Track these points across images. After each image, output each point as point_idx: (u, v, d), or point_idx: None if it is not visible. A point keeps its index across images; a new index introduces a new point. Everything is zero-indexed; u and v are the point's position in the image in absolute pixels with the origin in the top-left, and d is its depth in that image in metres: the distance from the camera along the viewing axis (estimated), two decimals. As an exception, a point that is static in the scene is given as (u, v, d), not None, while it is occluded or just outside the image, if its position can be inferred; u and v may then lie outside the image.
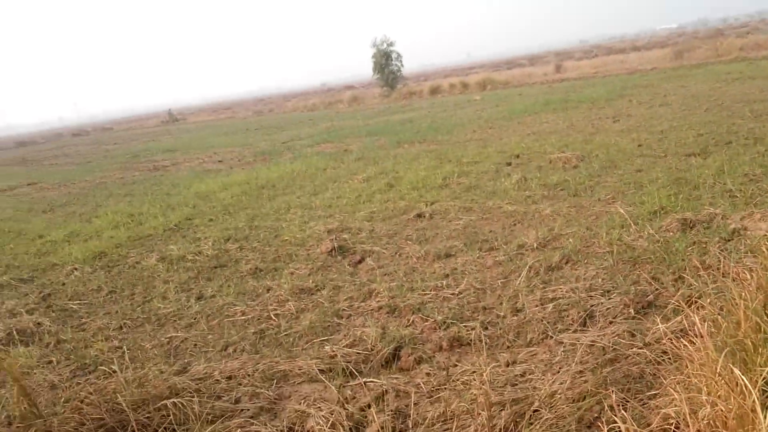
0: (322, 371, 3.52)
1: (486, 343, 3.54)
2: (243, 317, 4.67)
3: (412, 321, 4.07)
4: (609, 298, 3.86)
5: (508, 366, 3.26)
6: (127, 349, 4.28)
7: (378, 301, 4.50)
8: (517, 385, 3.03)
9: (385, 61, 42.30)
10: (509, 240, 5.51)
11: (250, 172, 12.79)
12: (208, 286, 5.55)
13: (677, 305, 3.19)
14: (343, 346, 3.79)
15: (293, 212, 8.02)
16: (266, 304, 4.86)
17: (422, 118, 20.53)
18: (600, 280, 4.22)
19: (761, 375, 2.04)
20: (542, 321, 3.72)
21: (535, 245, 5.18)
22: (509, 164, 9.22)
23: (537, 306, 3.96)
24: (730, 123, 9.82)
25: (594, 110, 14.86)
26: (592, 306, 3.81)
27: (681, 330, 2.84)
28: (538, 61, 61.27)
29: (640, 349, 3.04)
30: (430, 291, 4.55)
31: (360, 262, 5.61)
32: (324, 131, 21.06)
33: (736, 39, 35.29)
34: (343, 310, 4.51)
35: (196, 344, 4.33)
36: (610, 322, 3.55)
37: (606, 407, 2.56)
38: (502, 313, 3.96)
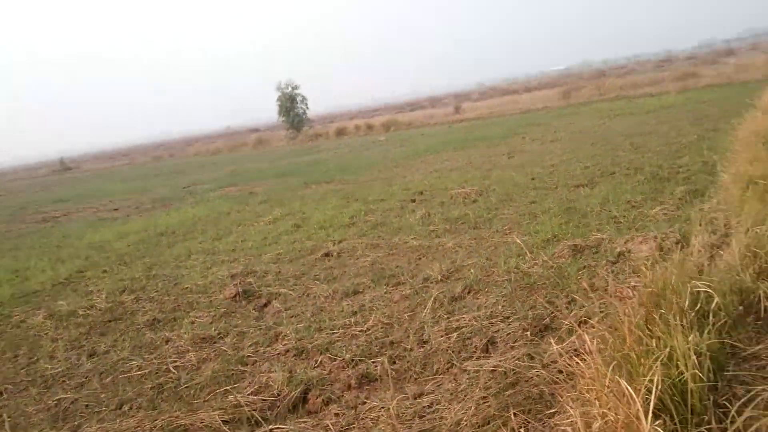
0: (225, 422, 3.35)
1: (394, 378, 3.54)
2: (139, 372, 4.38)
3: (320, 362, 3.99)
4: (509, 324, 3.99)
5: (415, 398, 3.26)
6: (8, 417, 3.89)
7: (285, 344, 4.39)
8: (424, 416, 3.03)
9: (290, 104, 42.60)
10: (415, 274, 5.59)
11: (148, 219, 12.25)
12: (101, 342, 5.18)
13: (570, 326, 3.34)
14: (248, 394, 3.65)
15: (195, 258, 7.73)
16: (165, 356, 4.60)
17: (329, 159, 20.69)
18: (500, 307, 4.36)
19: (644, 384, 2.16)
20: (447, 350, 3.77)
21: (439, 277, 5.28)
22: (414, 201, 9.43)
23: (442, 336, 4.01)
24: (613, 155, 10.63)
25: (491, 148, 15.62)
26: (493, 332, 3.91)
27: (574, 349, 2.97)
28: (438, 102, 63.93)
29: (539, 370, 3.15)
30: (339, 329, 4.50)
31: (266, 305, 5.46)
32: (228, 174, 20.67)
33: (616, 79, 38.74)
34: (248, 356, 4.35)
35: (87, 405, 4.01)
36: (511, 347, 3.65)
37: (509, 430, 2.61)
38: (409, 346, 3.98)
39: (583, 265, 4.91)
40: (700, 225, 4.88)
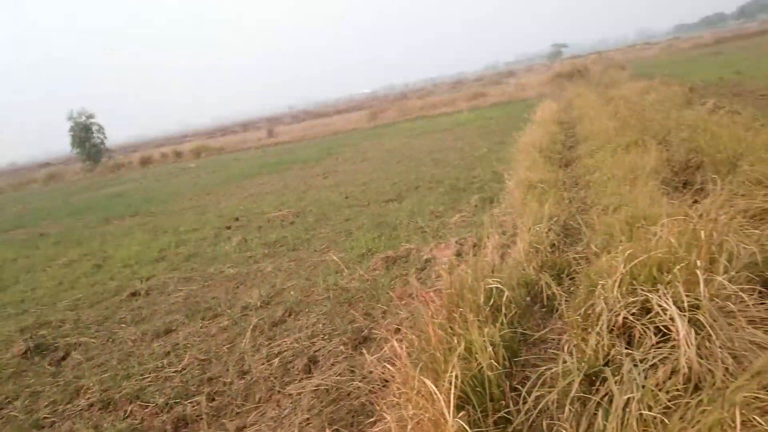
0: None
1: (213, 414, 3.36)
2: None
3: (130, 411, 3.66)
4: (330, 341, 4.03)
5: (237, 432, 3.13)
6: None
7: (88, 399, 3.95)
8: (247, 450, 2.93)
9: (85, 134, 39.03)
10: (233, 303, 5.40)
11: None
12: None
13: (384, 335, 3.47)
14: (45, 461, 3.21)
15: (-28, 316, 6.64)
16: (-64, 438, 3.87)
17: (134, 190, 19.27)
18: (321, 325, 4.39)
19: (449, 380, 2.31)
20: (269, 377, 3.69)
21: (258, 304, 5.17)
22: (229, 228, 9.15)
23: (264, 364, 3.92)
24: (417, 171, 11.36)
25: (306, 169, 15.79)
26: (315, 351, 3.93)
27: (389, 357, 3.09)
28: (251, 126, 63.15)
29: (359, 382, 3.22)
30: (150, 373, 4.17)
31: (64, 358, 4.87)
32: (13, 217, 18.16)
33: (417, 100, 41.62)
34: (45, 418, 3.84)
35: None
36: (333, 364, 3.69)
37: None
38: (229, 380, 3.82)
39: (396, 274, 5.15)
40: (492, 228, 5.40)
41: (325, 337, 4.13)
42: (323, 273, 5.67)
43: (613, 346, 2.69)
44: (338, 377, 3.40)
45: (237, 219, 9.76)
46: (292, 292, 5.30)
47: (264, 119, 77.92)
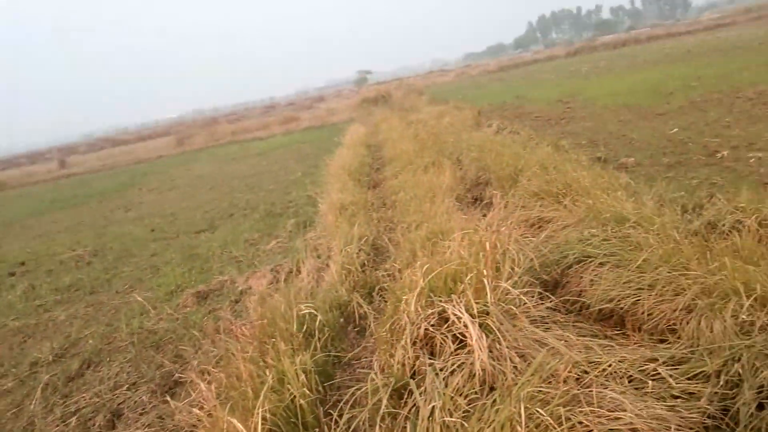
0: None
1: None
2: None
3: None
4: (136, 391, 3.72)
5: None
6: None
7: None
8: None
9: None
10: (19, 360, 4.74)
11: None
12: None
13: (192, 379, 3.29)
14: None
15: None
16: None
17: None
18: (125, 374, 4.03)
19: (260, 414, 2.26)
20: (64, 441, 3.29)
21: (50, 358, 4.60)
22: (13, 274, 8.03)
23: (58, 426, 3.50)
24: (231, 197, 11.05)
25: (105, 203, 14.50)
26: (119, 404, 3.60)
27: (198, 401, 2.93)
28: (39, 158, 56.27)
29: (169, 432, 3.01)
30: None
31: None
32: None
33: (228, 125, 40.50)
34: None
35: None
36: (140, 414, 3.41)
37: None
38: (14, 452, 3.33)
39: (209, 310, 4.94)
40: (307, 252, 5.45)
41: (130, 387, 3.80)
42: (126, 316, 5.23)
43: (418, 357, 2.86)
44: (146, 429, 3.14)
45: (23, 263, 8.61)
46: (90, 341, 4.80)
47: (55, 149, 70.04)
